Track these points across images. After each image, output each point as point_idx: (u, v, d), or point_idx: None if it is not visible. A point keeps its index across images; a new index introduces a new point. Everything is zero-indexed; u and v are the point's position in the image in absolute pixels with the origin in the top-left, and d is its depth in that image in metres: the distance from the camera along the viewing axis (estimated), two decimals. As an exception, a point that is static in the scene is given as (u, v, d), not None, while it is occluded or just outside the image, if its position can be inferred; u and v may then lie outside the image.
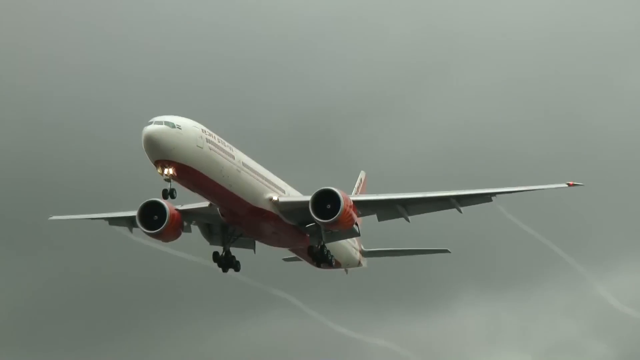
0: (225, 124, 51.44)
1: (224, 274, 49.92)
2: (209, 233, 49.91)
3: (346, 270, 59.22)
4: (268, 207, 45.96)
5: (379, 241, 55.49)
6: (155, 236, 45.78)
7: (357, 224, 47.74)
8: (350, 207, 43.81)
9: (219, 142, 42.91)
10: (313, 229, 47.87)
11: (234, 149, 44.13)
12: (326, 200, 43.07)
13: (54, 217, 56.01)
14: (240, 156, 44.60)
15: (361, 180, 63.42)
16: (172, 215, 45.51)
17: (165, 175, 39.43)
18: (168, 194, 40.75)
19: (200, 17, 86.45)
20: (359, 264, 59.34)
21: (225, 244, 49.45)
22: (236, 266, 49.94)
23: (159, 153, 39.51)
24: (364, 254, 59.57)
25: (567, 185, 45.73)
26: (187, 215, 47.32)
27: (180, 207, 46.51)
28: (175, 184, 41.06)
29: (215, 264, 49.91)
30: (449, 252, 58.59)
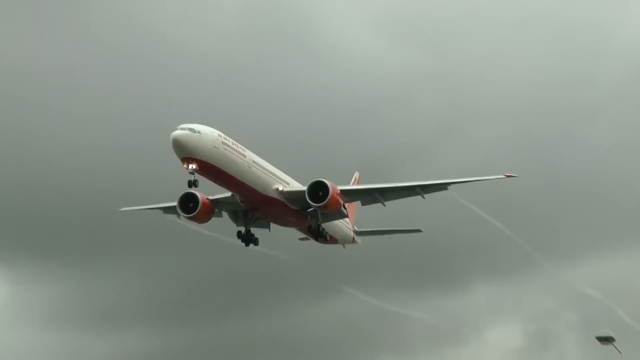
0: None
1: (247, 247, 61.45)
2: (234, 217, 60.62)
3: (344, 246, 70.39)
4: (275, 195, 56.10)
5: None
6: (191, 219, 56.73)
7: (344, 207, 58.46)
8: (337, 194, 54.04)
9: (233, 144, 52.43)
10: (312, 212, 57.76)
11: (245, 150, 53.82)
12: (319, 189, 53.43)
13: (124, 209, 68.11)
14: (251, 155, 54.41)
15: (355, 178, 74.00)
16: (204, 203, 56.12)
17: (189, 169, 49.11)
18: (192, 184, 50.65)
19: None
20: (354, 240, 70.48)
21: (246, 225, 60.49)
22: (255, 242, 61.59)
23: (183, 152, 49.08)
24: (357, 233, 70.79)
25: (504, 176, 56.87)
26: (217, 203, 58.02)
27: (210, 197, 57.35)
28: (198, 177, 50.58)
29: (239, 240, 61.28)
30: (422, 231, 70.01)
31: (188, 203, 56.09)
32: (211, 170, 50.92)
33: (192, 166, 48.83)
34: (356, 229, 70.65)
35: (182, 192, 55.57)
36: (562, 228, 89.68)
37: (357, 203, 69.95)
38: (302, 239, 69.50)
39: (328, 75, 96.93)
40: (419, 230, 70.07)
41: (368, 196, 59.50)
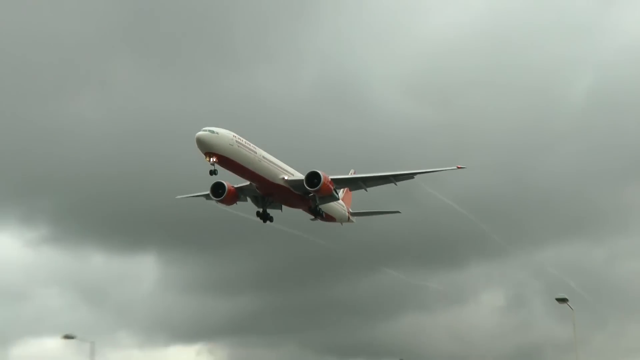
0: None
1: (264, 224, 75.00)
2: (255, 200, 72.72)
3: (341, 223, 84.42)
4: (282, 183, 67.50)
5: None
6: (220, 202, 69.29)
7: (336, 192, 71.37)
8: (328, 181, 65.91)
9: (246, 143, 62.18)
10: (311, 196, 69.29)
11: (257, 148, 63.82)
12: (314, 178, 65.27)
13: (179, 197, 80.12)
14: (261, 152, 64.53)
15: (351, 173, 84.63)
16: (229, 190, 68.71)
17: (211, 161, 59.28)
18: (212, 172, 60.64)
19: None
20: (349, 219, 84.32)
21: (263, 206, 73.49)
22: (271, 219, 74.85)
23: (205, 148, 58.97)
24: (352, 214, 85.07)
25: (456, 168, 69.45)
26: (241, 190, 70.30)
27: (235, 186, 69.65)
28: (219, 168, 60.43)
29: (258, 218, 74.51)
30: (400, 212, 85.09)
31: (218, 190, 68.67)
32: (228, 162, 61.04)
33: (213, 159, 59.39)
34: (350, 210, 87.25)
35: (213, 182, 67.84)
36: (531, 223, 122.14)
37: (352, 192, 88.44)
38: (312, 220, 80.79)
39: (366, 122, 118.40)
40: (397, 212, 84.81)
41: (353, 184, 73.54)
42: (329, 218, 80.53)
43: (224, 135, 60.11)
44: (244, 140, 62.50)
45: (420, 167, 72.02)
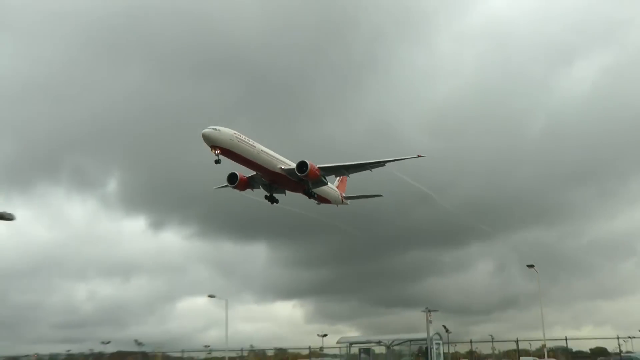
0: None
1: (272, 205, 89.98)
2: (264, 186, 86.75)
3: (337, 205, 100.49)
4: (280, 171, 79.36)
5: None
6: (234, 188, 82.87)
7: (324, 178, 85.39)
8: (315, 169, 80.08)
9: (245, 139, 71.53)
10: (304, 182, 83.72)
11: (256, 143, 74.02)
12: (303, 166, 77.93)
13: (216, 187, 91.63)
14: (260, 147, 74.90)
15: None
16: (241, 178, 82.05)
17: (215, 153, 68.44)
18: (217, 162, 69.72)
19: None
20: (343, 202, 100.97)
21: (270, 191, 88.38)
22: (277, 201, 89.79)
23: (209, 142, 68.23)
24: (345, 197, 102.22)
25: (417, 156, 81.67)
26: (252, 179, 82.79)
27: (247, 176, 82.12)
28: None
29: (267, 201, 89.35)
30: (382, 195, 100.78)
31: (232, 179, 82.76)
32: (230, 153, 70.74)
33: (217, 151, 68.99)
34: (343, 194, 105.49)
35: (228, 173, 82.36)
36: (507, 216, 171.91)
37: (347, 179, 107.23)
38: (318, 204, 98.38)
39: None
40: (380, 195, 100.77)
41: (337, 170, 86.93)
42: (324, 200, 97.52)
43: (225, 132, 69.66)
44: (244, 137, 72.85)
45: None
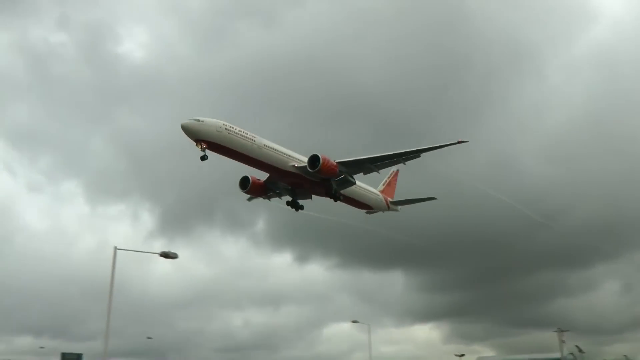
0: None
1: (296, 212, 79.23)
2: (286, 191, 76.74)
3: (383, 212, 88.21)
4: (293, 170, 69.89)
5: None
6: (247, 193, 74.20)
7: (351, 177, 73.76)
8: (329, 163, 68.36)
9: (240, 131, 63.28)
10: (326, 181, 72.47)
11: (256, 136, 65.38)
12: (315, 160, 68.02)
13: (248, 200, 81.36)
14: (262, 140, 66.08)
15: (393, 172, 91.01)
16: (254, 182, 73.49)
17: (201, 148, 60.66)
18: (203, 158, 61.34)
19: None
20: (390, 207, 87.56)
21: (293, 196, 78.11)
22: (302, 207, 79.21)
23: (191, 135, 60.43)
24: (394, 203, 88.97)
25: (457, 142, 67.54)
26: (269, 182, 74.13)
27: (264, 180, 73.91)
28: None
29: (289, 207, 78.99)
30: (436, 198, 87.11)
31: (245, 183, 73.81)
32: (221, 148, 62.52)
33: (202, 145, 60.86)
34: (389, 199, 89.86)
35: (241, 177, 74.10)
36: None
37: (397, 182, 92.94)
38: (368, 213, 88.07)
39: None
40: (434, 198, 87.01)
41: (361, 166, 73.69)
42: (362, 206, 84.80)
43: (210, 122, 61.52)
44: (238, 128, 63.96)
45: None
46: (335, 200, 78.18)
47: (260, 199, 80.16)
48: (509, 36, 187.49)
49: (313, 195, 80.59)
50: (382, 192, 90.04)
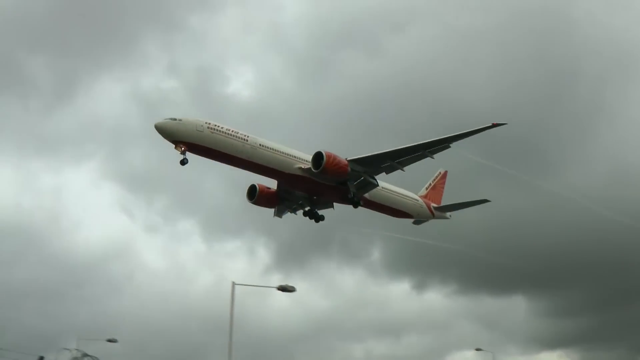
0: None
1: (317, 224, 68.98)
2: (303, 199, 67.20)
3: (427, 220, 75.82)
4: (300, 172, 60.60)
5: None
6: (254, 204, 65.48)
7: (373, 178, 62.83)
8: (336, 161, 58.33)
9: (228, 130, 55.99)
10: (345, 186, 62.60)
11: (250, 135, 57.62)
12: (319, 159, 58.02)
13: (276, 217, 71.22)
14: (256, 139, 58.02)
15: (439, 173, 79.84)
16: (261, 191, 64.77)
17: (180, 151, 53.81)
18: (182, 162, 54.29)
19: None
20: (435, 215, 74.77)
21: (310, 205, 68.18)
22: (322, 219, 68.93)
23: (167, 136, 53.72)
24: (440, 208, 75.68)
25: (492, 125, 56.18)
26: (281, 190, 64.90)
27: (275, 188, 65.02)
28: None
29: (307, 218, 68.89)
30: (489, 201, 73.72)
31: (252, 193, 65.23)
32: (205, 150, 55.60)
33: (181, 147, 54.04)
34: (433, 204, 75.70)
35: (249, 185, 65.46)
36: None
37: (444, 187, 79.53)
38: (415, 223, 76.78)
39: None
40: (487, 201, 73.99)
41: (382, 164, 62.36)
42: (397, 213, 72.45)
43: (188, 121, 54.84)
44: (226, 127, 56.76)
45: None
46: (355, 207, 66.26)
47: (291, 214, 71.16)
48: (618, 41, 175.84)
49: (335, 204, 69.66)
50: (424, 196, 76.83)
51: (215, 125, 55.74)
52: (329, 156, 58.69)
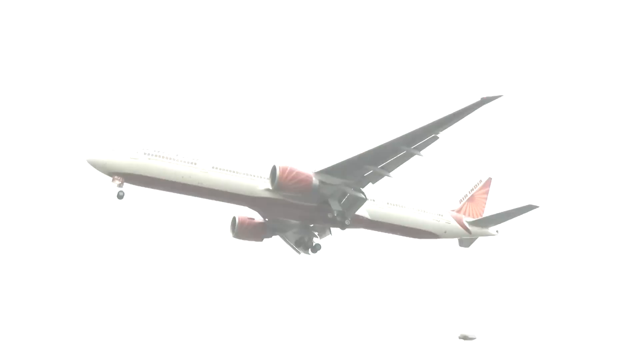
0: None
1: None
2: (297, 228, 57.56)
3: (459, 239, 61.44)
4: (268, 194, 51.01)
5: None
6: (236, 237, 56.59)
7: (360, 192, 51.57)
8: (290, 173, 48.67)
9: (170, 154, 48.83)
10: (324, 205, 52.32)
11: (201, 157, 49.91)
12: (272, 174, 48.93)
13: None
14: (209, 162, 49.99)
15: (480, 181, 65.40)
16: (242, 222, 55.90)
17: (117, 184, 47.58)
18: (120, 196, 47.84)
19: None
20: (469, 232, 60.42)
21: (305, 233, 57.79)
22: (318, 248, 58.12)
23: (100, 170, 47.72)
24: (475, 223, 60.62)
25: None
26: (272, 220, 55.67)
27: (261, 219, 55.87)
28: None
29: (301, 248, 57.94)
30: (537, 207, 57.73)
31: (233, 226, 56.72)
32: (145, 180, 49.36)
33: (117, 180, 47.98)
34: (468, 219, 59.20)
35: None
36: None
37: (487, 197, 64.42)
38: (462, 245, 62.40)
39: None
40: (535, 207, 57.42)
41: (362, 170, 50.53)
42: (415, 233, 57.85)
43: (122, 150, 48.49)
44: (169, 150, 49.63)
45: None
46: (342, 228, 53.86)
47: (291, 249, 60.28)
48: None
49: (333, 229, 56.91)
50: (458, 210, 60.66)
51: (155, 151, 48.59)
52: (283, 170, 48.19)
